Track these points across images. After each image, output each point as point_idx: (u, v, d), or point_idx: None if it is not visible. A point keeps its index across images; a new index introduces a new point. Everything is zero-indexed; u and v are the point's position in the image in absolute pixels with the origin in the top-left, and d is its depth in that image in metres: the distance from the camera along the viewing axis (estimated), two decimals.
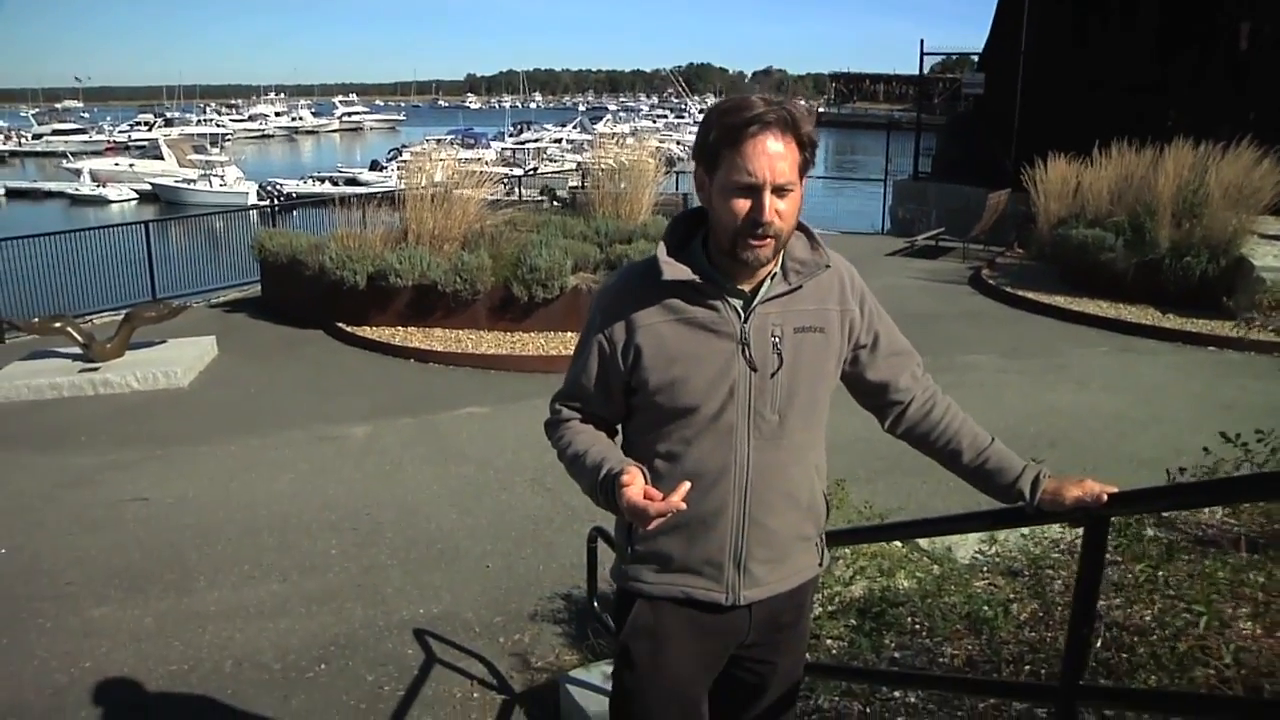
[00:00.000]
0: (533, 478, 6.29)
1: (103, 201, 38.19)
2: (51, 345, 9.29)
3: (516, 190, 19.61)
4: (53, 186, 41.75)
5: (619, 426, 2.05)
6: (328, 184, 34.83)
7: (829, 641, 3.47)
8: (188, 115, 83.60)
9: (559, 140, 51.14)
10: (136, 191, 38.99)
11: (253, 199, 32.38)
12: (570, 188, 19.89)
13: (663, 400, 1.87)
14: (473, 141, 41.99)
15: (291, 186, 35.42)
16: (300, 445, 7.15)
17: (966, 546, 4.05)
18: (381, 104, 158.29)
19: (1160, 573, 2.92)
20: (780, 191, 1.76)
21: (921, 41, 22.09)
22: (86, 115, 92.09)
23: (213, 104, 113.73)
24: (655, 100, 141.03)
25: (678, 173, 17.84)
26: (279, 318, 11.07)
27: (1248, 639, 2.62)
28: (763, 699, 2.11)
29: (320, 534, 5.60)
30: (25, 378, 8.59)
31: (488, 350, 9.55)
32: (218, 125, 74.06)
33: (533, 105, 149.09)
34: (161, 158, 43.46)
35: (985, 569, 3.82)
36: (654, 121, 70.51)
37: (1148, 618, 2.85)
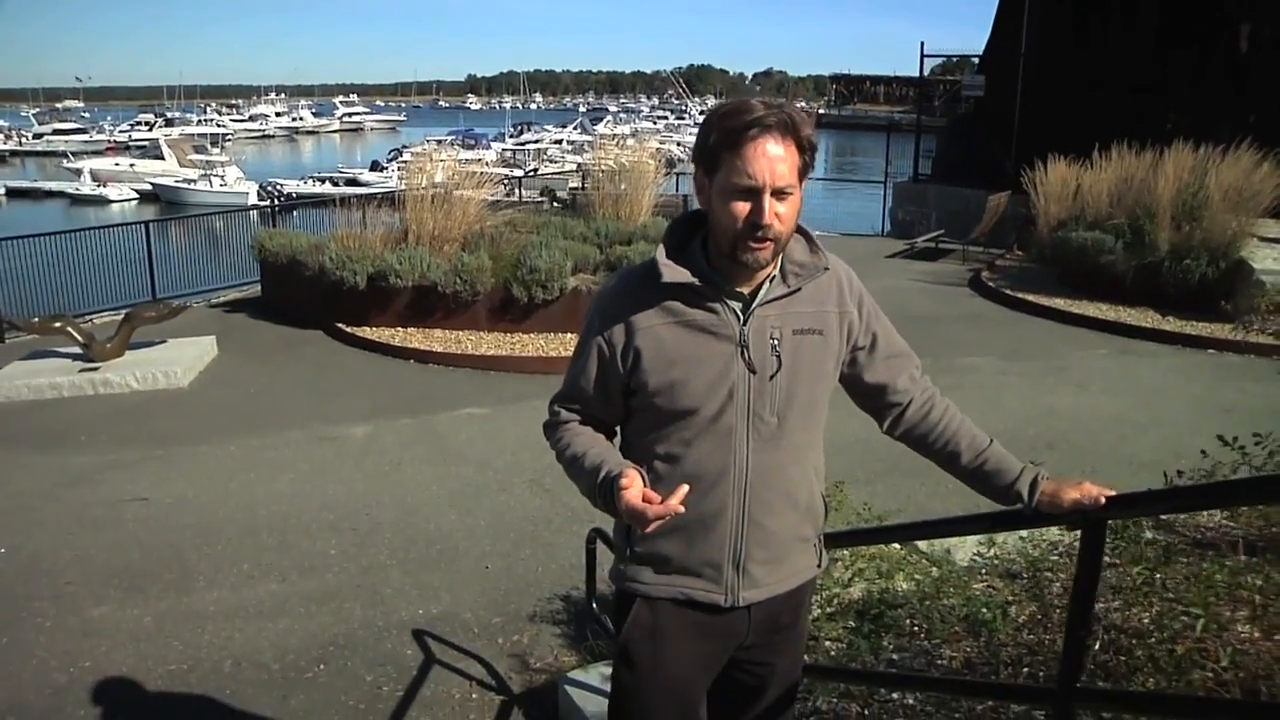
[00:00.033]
0: (532, 479, 6.30)
1: (103, 201, 38.19)
2: (51, 345, 9.30)
3: (517, 191, 19.60)
4: (53, 186, 41.74)
5: (618, 428, 2.05)
6: (328, 184, 34.82)
7: (827, 643, 3.47)
8: (188, 115, 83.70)
9: (559, 141, 51.15)
10: (137, 191, 39.00)
11: (253, 199, 32.40)
12: (570, 189, 19.89)
13: (662, 402, 1.88)
14: (473, 142, 42.02)
15: (292, 187, 35.42)
16: (300, 445, 7.15)
17: (965, 549, 4.05)
18: (382, 104, 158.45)
19: (1158, 575, 2.93)
20: (780, 194, 1.76)
21: (922, 44, 22.20)
22: (87, 115, 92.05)
23: (213, 104, 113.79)
24: (656, 101, 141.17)
25: (678, 174, 17.84)
26: (279, 318, 11.08)
27: (1245, 642, 2.62)
28: (761, 700, 2.12)
29: (319, 534, 5.60)
30: (25, 377, 8.59)
31: (487, 351, 9.55)
32: (218, 125, 74.10)
33: (533, 106, 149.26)
34: (162, 158, 43.46)
35: (984, 571, 3.83)
36: (654, 123, 70.50)
37: (1146, 620, 2.85)
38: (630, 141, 17.49)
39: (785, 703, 2.15)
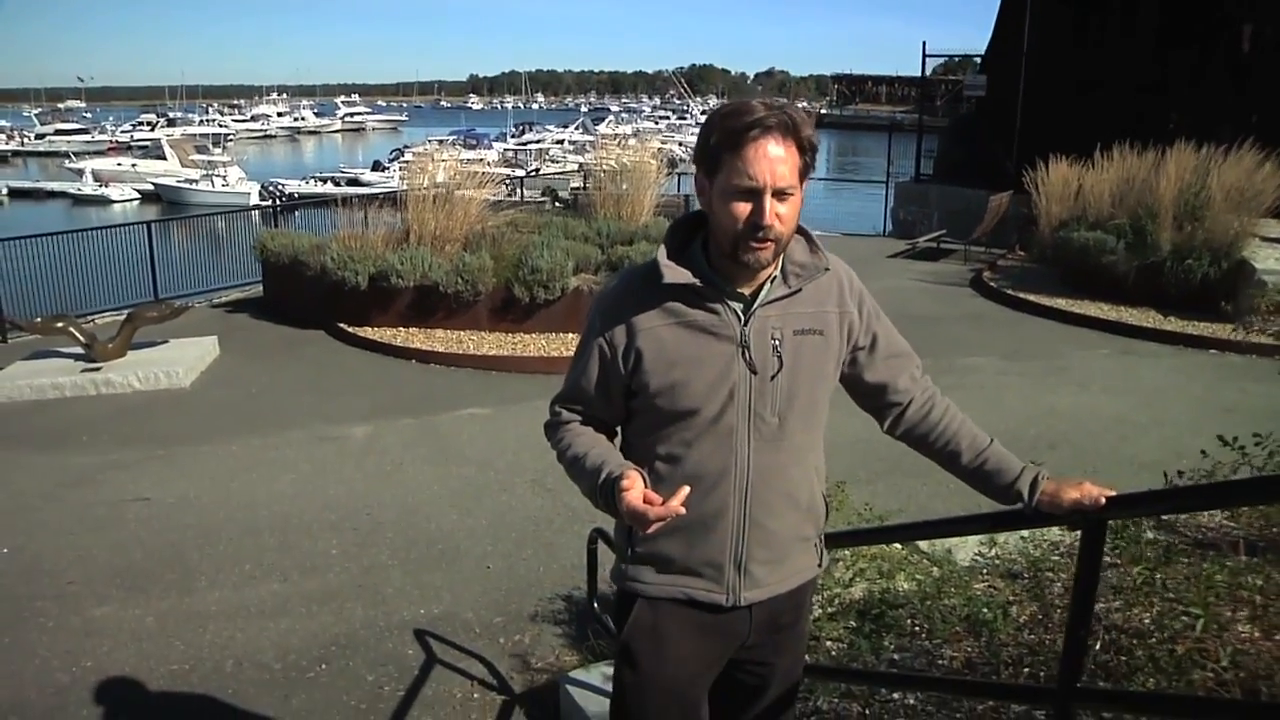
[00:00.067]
0: (533, 479, 6.30)
1: (105, 201, 38.24)
2: (53, 345, 9.31)
3: (518, 191, 19.61)
4: (55, 186, 41.82)
5: (618, 428, 2.06)
6: (330, 184, 34.86)
7: (829, 643, 3.47)
8: (190, 115, 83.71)
9: (561, 141, 51.17)
10: (139, 191, 39.07)
11: (255, 199, 32.40)
12: (572, 189, 19.90)
13: (663, 403, 1.88)
14: (475, 142, 42.10)
15: (293, 187, 35.45)
16: (301, 445, 7.16)
17: (966, 549, 4.06)
18: (384, 104, 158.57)
19: (1158, 576, 2.93)
20: (780, 195, 1.77)
21: (924, 44, 22.26)
22: (89, 115, 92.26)
23: (215, 104, 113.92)
24: (657, 101, 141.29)
25: (679, 174, 17.84)
26: (280, 318, 11.09)
27: (1246, 642, 2.62)
28: (762, 700, 2.12)
29: (321, 534, 5.61)
30: (27, 377, 8.60)
31: (489, 351, 9.56)
32: (220, 125, 74.10)
33: (535, 106, 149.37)
34: (164, 158, 43.55)
35: (985, 571, 3.83)
36: (656, 123, 70.55)
37: (1147, 621, 2.85)
38: (632, 141, 17.47)
39: (786, 702, 2.16)
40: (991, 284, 12.72)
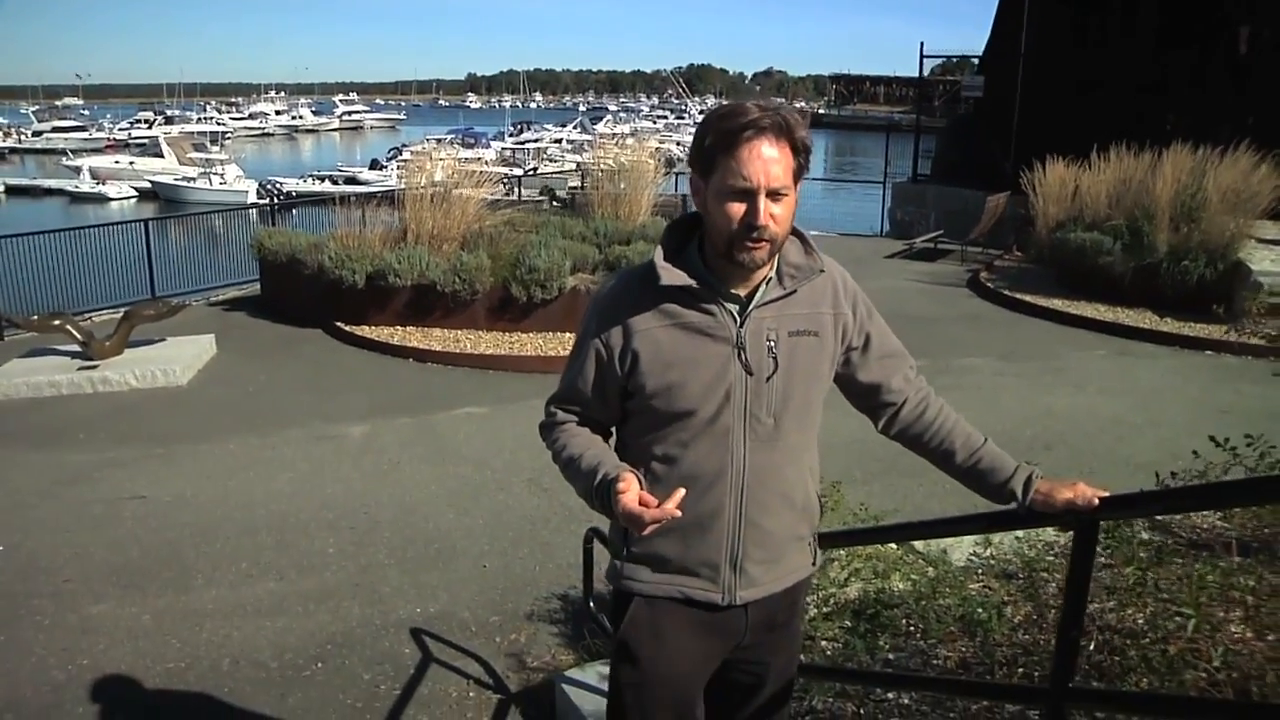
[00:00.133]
0: (530, 478, 6.31)
1: (102, 199, 38.22)
2: (50, 343, 9.30)
3: (516, 190, 19.62)
4: (52, 184, 41.73)
5: (614, 429, 2.07)
6: (327, 183, 34.90)
7: (824, 643, 3.48)
8: (188, 113, 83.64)
9: (559, 140, 51.17)
10: (136, 189, 39.03)
11: (252, 197, 32.43)
12: (570, 188, 19.91)
13: (659, 404, 1.89)
14: (473, 141, 42.02)
15: (291, 185, 35.44)
16: (299, 444, 7.16)
17: (961, 549, 4.07)
18: (382, 103, 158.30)
19: (1150, 576, 2.94)
20: (775, 196, 1.78)
21: (921, 44, 22.23)
22: (87, 112, 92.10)
23: (213, 102, 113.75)
24: (655, 101, 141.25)
25: (677, 174, 17.85)
26: (278, 316, 11.08)
27: (1238, 642, 2.63)
28: (757, 698, 2.13)
29: (318, 533, 5.61)
30: (24, 375, 8.60)
31: (486, 350, 9.56)
32: (218, 123, 74.18)
33: (533, 105, 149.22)
34: (161, 155, 43.51)
35: (980, 571, 3.84)
36: (654, 122, 70.52)
37: (1140, 621, 2.87)
38: (630, 141, 17.48)
39: (781, 701, 2.17)
40: (988, 284, 12.74)
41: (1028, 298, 11.70)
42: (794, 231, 1.90)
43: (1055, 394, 8.22)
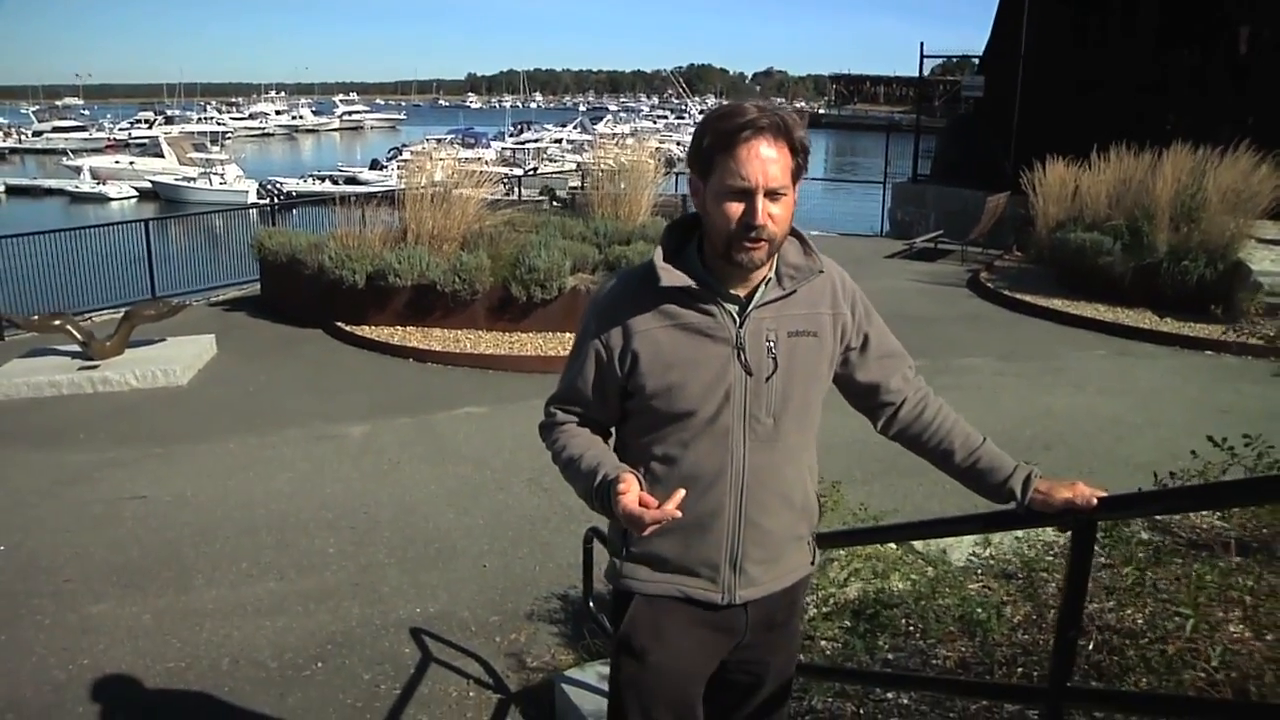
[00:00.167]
0: (530, 478, 6.31)
1: (103, 199, 38.23)
2: (51, 343, 9.30)
3: (516, 190, 19.62)
4: (53, 184, 41.74)
5: (613, 429, 2.07)
6: (328, 183, 34.90)
7: (823, 643, 3.49)
8: (188, 113, 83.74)
9: (559, 140, 51.18)
10: (136, 189, 39.03)
11: (252, 197, 32.44)
12: (570, 188, 19.92)
13: (659, 405, 1.90)
14: (473, 141, 42.04)
15: (291, 185, 35.45)
16: (299, 444, 7.16)
17: (961, 549, 4.07)
18: (382, 103, 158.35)
19: (1149, 576, 2.94)
20: (773, 195, 1.78)
21: (921, 44, 22.23)
22: (87, 112, 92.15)
23: (213, 102, 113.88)
24: (656, 101, 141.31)
25: (677, 173, 17.86)
26: (278, 316, 11.09)
27: (1236, 642, 2.64)
28: (756, 697, 2.14)
29: (318, 533, 5.61)
30: (24, 375, 8.60)
31: (486, 350, 9.57)
32: (218, 123, 74.24)
33: (533, 105, 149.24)
34: (162, 155, 43.49)
35: (979, 571, 3.84)
36: (654, 122, 70.55)
37: (1139, 621, 2.87)
38: (630, 141, 17.49)
39: (780, 700, 2.17)
40: (988, 284, 12.74)
41: (1028, 298, 11.71)
42: (793, 232, 1.91)
43: (1055, 394, 8.22)
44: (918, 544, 4.04)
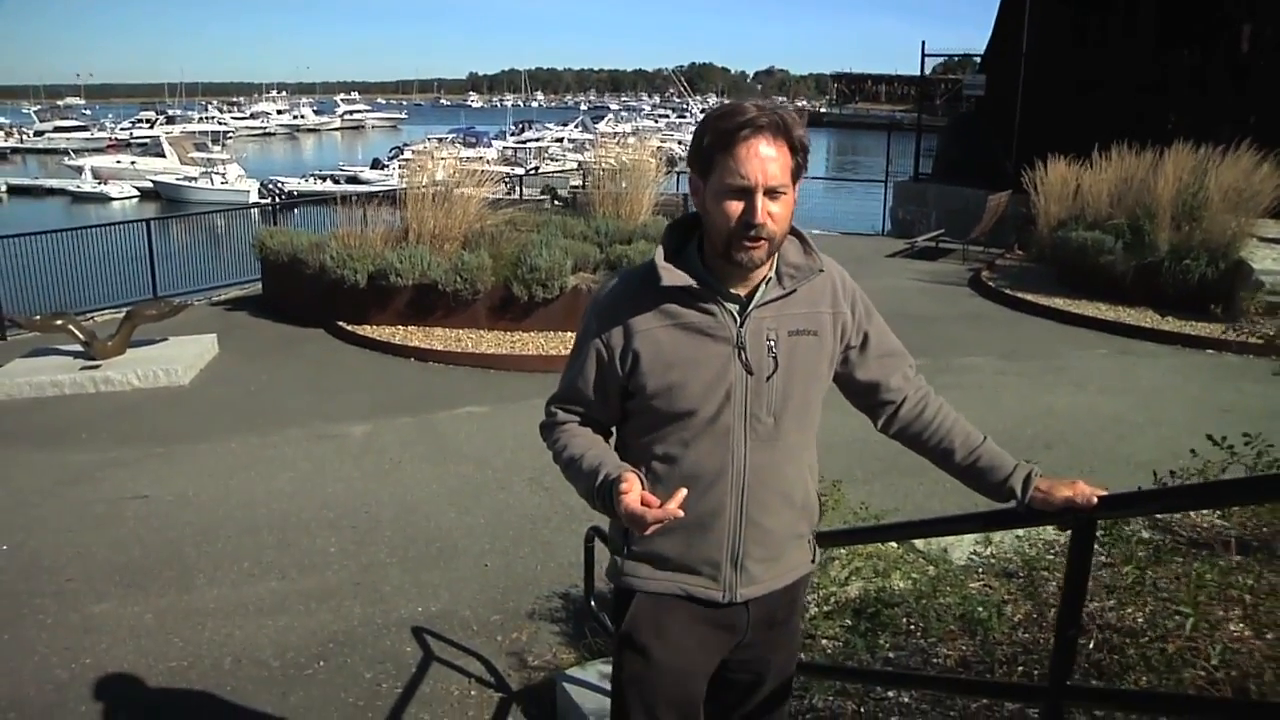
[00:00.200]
0: (531, 477, 6.32)
1: (104, 199, 38.26)
2: (53, 343, 9.31)
3: (517, 189, 19.61)
4: (54, 183, 41.77)
5: (613, 428, 2.07)
6: (329, 182, 34.95)
7: (824, 641, 3.49)
8: (190, 113, 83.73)
9: (560, 139, 51.21)
10: (138, 189, 39.07)
11: (254, 197, 32.47)
12: (571, 187, 19.90)
13: (660, 404, 1.90)
14: (474, 140, 42.09)
15: (293, 185, 35.50)
16: (300, 443, 7.17)
17: (962, 548, 4.07)
18: (383, 102, 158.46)
19: (1150, 575, 2.95)
20: (773, 194, 1.79)
21: (923, 43, 22.20)
22: (88, 112, 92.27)
23: (215, 101, 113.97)
24: (657, 100, 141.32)
25: (678, 173, 17.87)
26: (279, 316, 11.09)
27: (1236, 640, 2.64)
28: (757, 695, 2.14)
29: (319, 532, 5.62)
30: (26, 375, 8.61)
31: (487, 350, 9.57)
32: (219, 123, 74.29)
33: (535, 104, 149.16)
34: (163, 155, 43.54)
35: (980, 570, 3.84)
36: (656, 121, 70.62)
37: (1139, 620, 2.87)
38: (631, 140, 17.50)
39: (781, 698, 2.18)
40: (990, 283, 12.74)
41: (1029, 297, 11.70)
42: (793, 231, 1.91)
43: (1056, 393, 8.22)
44: (919, 543, 4.04)
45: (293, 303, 11.06)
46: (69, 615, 4.67)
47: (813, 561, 2.13)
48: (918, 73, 23.43)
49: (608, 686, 3.22)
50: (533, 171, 29.44)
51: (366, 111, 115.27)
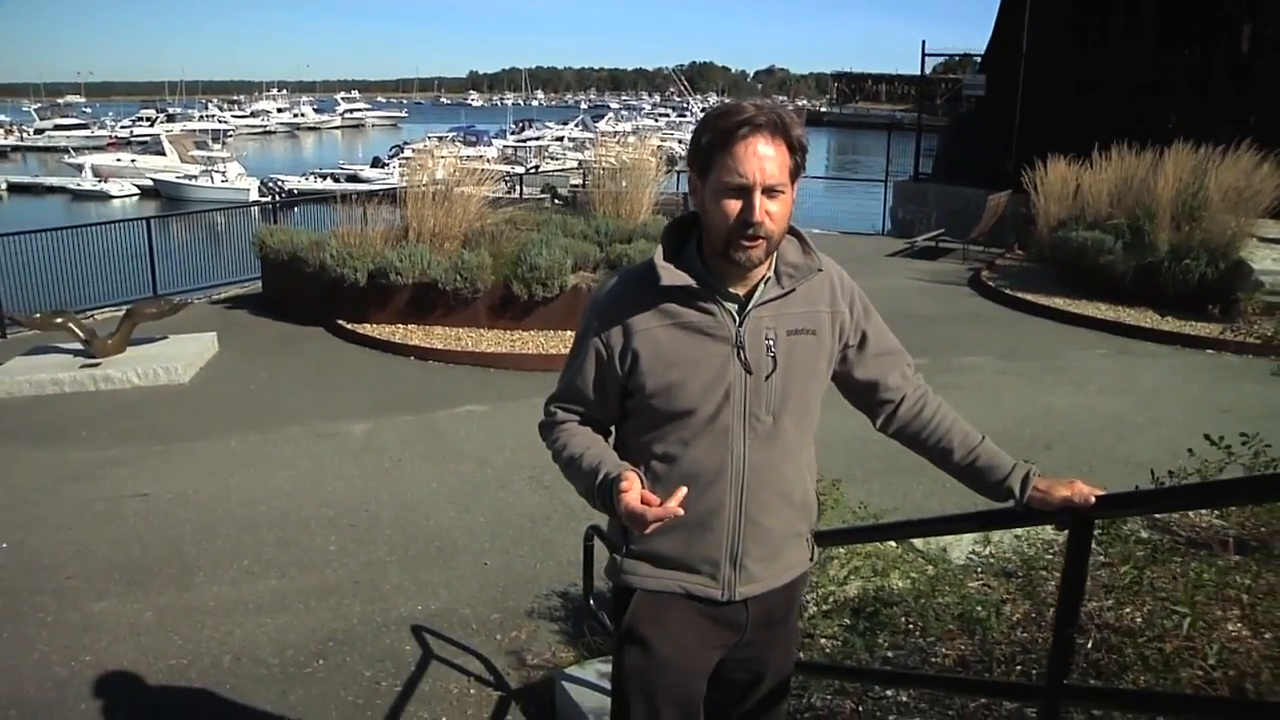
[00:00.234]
0: (531, 476, 6.32)
1: (104, 197, 38.28)
2: (53, 341, 9.32)
3: (518, 188, 19.62)
4: (54, 182, 41.80)
5: (612, 427, 2.08)
6: (329, 181, 34.96)
7: (823, 641, 3.49)
8: (190, 111, 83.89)
9: (561, 138, 51.21)
10: (138, 187, 39.11)
11: (254, 195, 32.47)
12: (571, 186, 19.91)
13: (659, 403, 1.91)
14: (474, 139, 42.13)
15: (293, 183, 35.54)
16: (300, 442, 7.18)
17: (961, 547, 4.07)
18: (384, 101, 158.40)
19: (1148, 575, 2.95)
20: (771, 193, 1.79)
21: (923, 42, 22.18)
22: (89, 110, 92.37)
23: (215, 100, 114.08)
24: (658, 99, 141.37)
25: (679, 172, 17.86)
26: (279, 314, 11.10)
27: (1234, 640, 2.64)
28: (755, 694, 2.15)
29: (319, 530, 5.63)
30: (26, 373, 8.62)
31: (487, 348, 9.58)
32: (220, 121, 74.41)
33: (535, 103, 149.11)
34: (163, 153, 43.55)
35: (979, 570, 3.85)
36: (656, 120, 70.63)
37: (1138, 620, 2.88)
38: (632, 139, 17.50)
39: (779, 697, 2.18)
40: (989, 283, 12.74)
41: (1029, 296, 11.70)
42: (792, 231, 1.92)
43: (1056, 393, 8.22)
44: (917, 542, 4.04)
45: (293, 301, 11.06)
46: (69, 613, 4.68)
47: (811, 560, 2.14)
48: (918, 72, 23.41)
49: (606, 685, 3.23)
50: (533, 170, 29.44)
51: (367, 110, 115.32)
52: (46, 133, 67.17)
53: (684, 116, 78.16)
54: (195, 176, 37.63)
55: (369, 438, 7.27)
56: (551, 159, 39.94)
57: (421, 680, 4.09)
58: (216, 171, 37.66)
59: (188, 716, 3.93)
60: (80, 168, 41.88)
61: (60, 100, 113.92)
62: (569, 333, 9.70)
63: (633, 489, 1.76)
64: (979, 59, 22.26)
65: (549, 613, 4.65)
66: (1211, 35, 15.83)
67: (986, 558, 3.94)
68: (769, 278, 1.91)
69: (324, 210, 13.50)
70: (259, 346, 10.02)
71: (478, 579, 5.04)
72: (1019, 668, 2.95)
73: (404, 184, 12.07)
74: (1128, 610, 2.95)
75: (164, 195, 36.89)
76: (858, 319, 2.03)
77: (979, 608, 3.22)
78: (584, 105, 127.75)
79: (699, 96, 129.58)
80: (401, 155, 32.55)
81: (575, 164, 29.12)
